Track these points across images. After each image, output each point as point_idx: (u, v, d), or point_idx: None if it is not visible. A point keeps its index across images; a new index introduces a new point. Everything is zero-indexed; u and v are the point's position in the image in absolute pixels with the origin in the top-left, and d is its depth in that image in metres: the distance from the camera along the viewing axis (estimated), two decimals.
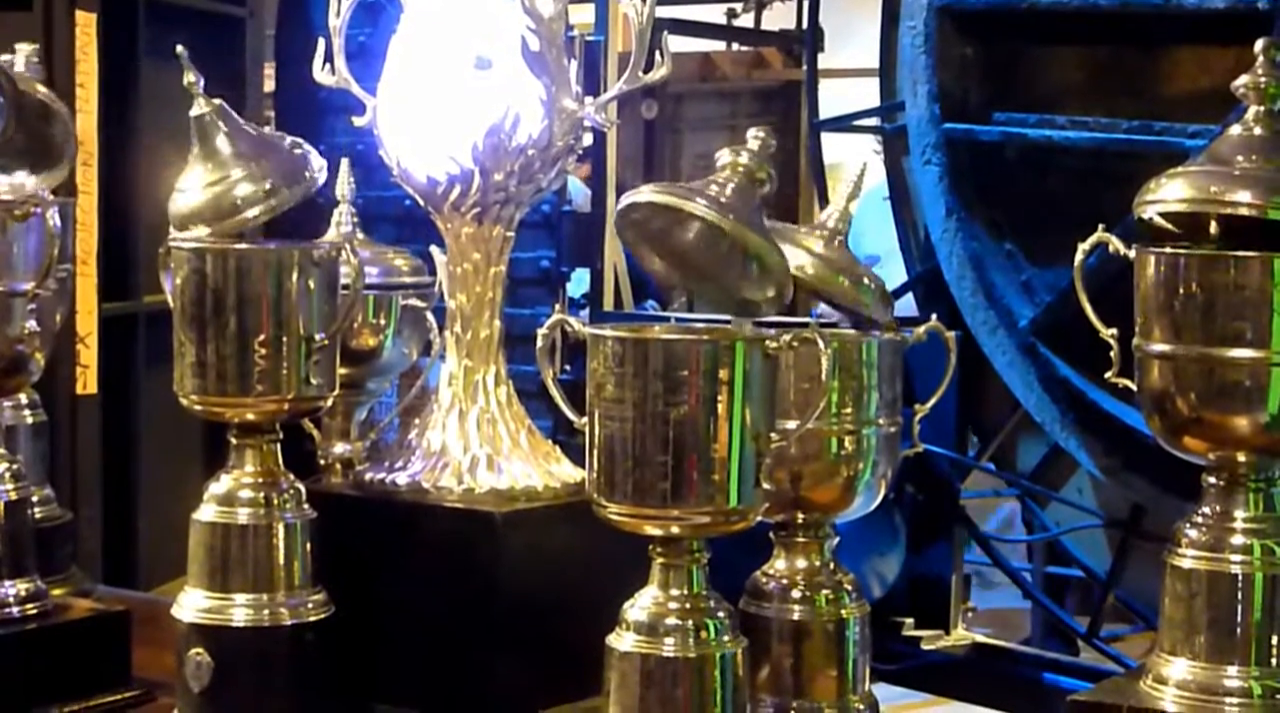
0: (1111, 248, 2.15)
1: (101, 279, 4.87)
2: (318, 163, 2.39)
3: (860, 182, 2.40)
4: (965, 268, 5.49)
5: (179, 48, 2.44)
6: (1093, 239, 2.18)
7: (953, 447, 5.79)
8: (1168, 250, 2.10)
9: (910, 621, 5.82)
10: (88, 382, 4.78)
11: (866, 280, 2.31)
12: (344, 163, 2.65)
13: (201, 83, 2.39)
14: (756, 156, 2.12)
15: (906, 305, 6.26)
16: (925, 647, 5.77)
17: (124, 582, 4.78)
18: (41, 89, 2.54)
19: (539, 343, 2.13)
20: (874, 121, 6.65)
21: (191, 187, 2.34)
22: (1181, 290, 2.07)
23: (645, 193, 2.13)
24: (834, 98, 6.82)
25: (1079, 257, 2.19)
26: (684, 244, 2.17)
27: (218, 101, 2.38)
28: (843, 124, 6.66)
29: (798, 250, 2.29)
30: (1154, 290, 2.10)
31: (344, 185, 2.68)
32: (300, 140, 2.42)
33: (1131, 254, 2.13)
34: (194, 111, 2.38)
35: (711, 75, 10.57)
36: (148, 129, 5.25)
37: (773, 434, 2.06)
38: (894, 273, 6.15)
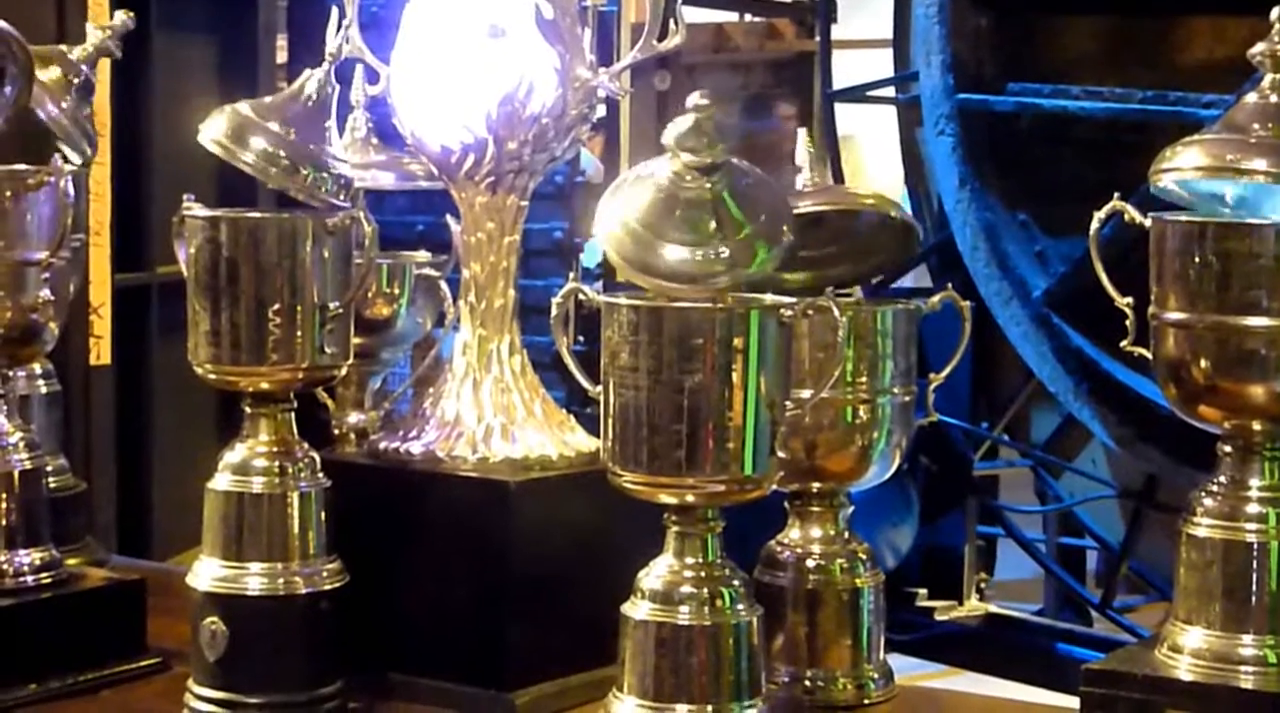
0: (1127, 217, 2.15)
1: (115, 250, 4.87)
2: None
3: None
4: (979, 238, 5.49)
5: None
6: (1108, 208, 2.17)
7: (966, 418, 5.79)
8: (1184, 219, 2.09)
9: (924, 591, 5.84)
10: (101, 352, 4.78)
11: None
12: (358, 68, 2.64)
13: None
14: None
15: (920, 276, 6.26)
16: (939, 618, 5.78)
17: (138, 552, 4.79)
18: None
19: (553, 312, 2.13)
20: (887, 92, 6.65)
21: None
22: (1197, 259, 2.07)
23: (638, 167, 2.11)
24: (846, 68, 6.82)
25: (1095, 225, 2.19)
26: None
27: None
28: (856, 95, 6.65)
29: (811, 199, 2.31)
30: (1170, 259, 2.10)
31: (358, 91, 2.69)
32: None
33: (1147, 223, 2.12)
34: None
35: (724, 46, 10.55)
36: (161, 100, 5.24)
37: (788, 402, 2.06)
38: None
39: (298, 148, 2.32)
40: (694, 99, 2.06)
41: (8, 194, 2.41)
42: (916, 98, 5.81)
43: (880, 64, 7.17)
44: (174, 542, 5.04)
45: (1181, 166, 2.08)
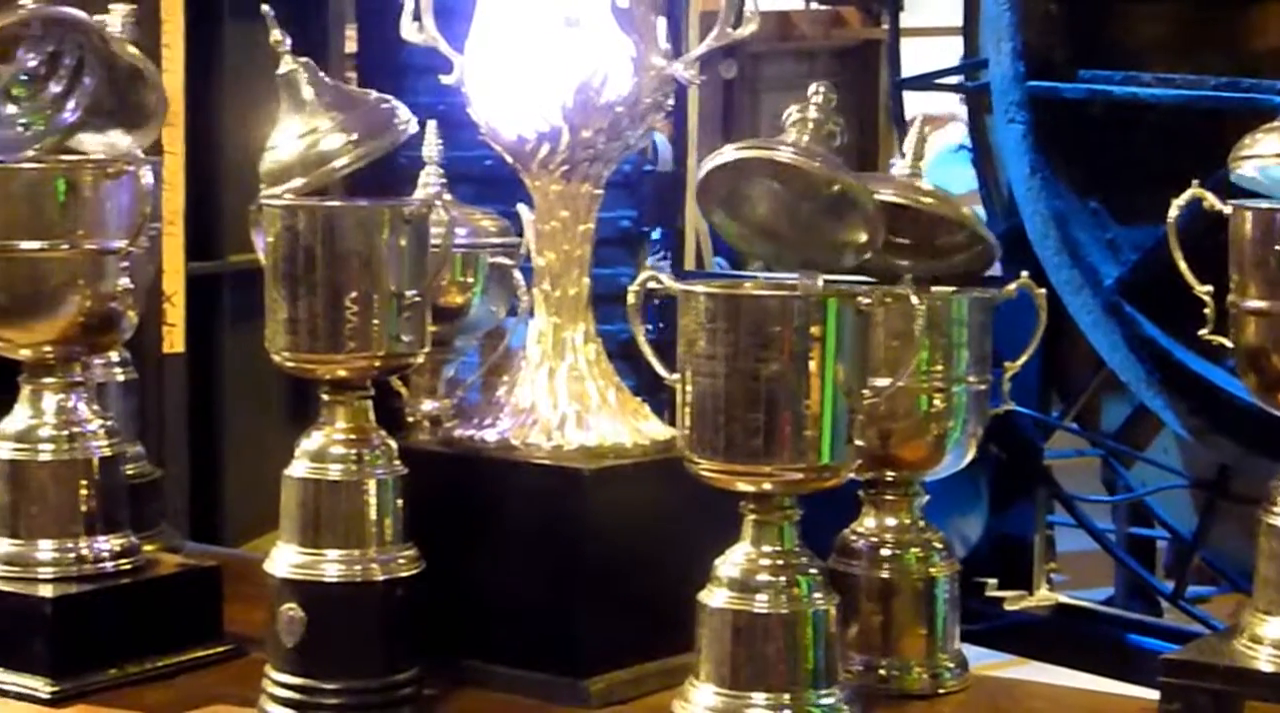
0: (1206, 204, 2.13)
1: (188, 238, 4.90)
2: (404, 114, 2.40)
3: (923, 137, 2.41)
4: (1049, 226, 5.46)
5: (265, 7, 2.45)
6: (1187, 195, 2.16)
7: (1036, 406, 5.77)
8: (1264, 206, 2.08)
9: (993, 581, 5.82)
10: (174, 341, 4.81)
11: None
12: (431, 124, 2.65)
13: (289, 42, 2.41)
14: (823, 109, 2.12)
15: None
16: (1008, 607, 5.76)
17: (209, 539, 4.82)
18: (133, 50, 2.55)
19: (630, 300, 2.13)
20: (955, 79, 6.62)
21: (280, 142, 2.36)
22: (1278, 246, 2.05)
23: (727, 152, 2.13)
24: (910, 57, 6.79)
25: (1173, 212, 2.17)
26: (767, 202, 2.17)
27: (304, 59, 2.40)
28: (925, 82, 6.63)
29: (894, 188, 2.30)
30: (1250, 246, 2.08)
31: (431, 147, 2.69)
32: (387, 96, 2.43)
33: (1227, 210, 2.11)
34: (280, 69, 2.39)
35: (790, 34, 10.55)
36: (233, 89, 5.27)
37: (865, 391, 2.05)
38: None
39: None
40: None
41: (88, 183, 2.43)
42: (986, 85, 5.78)
43: (944, 52, 7.14)
44: (245, 528, 5.07)
45: (1263, 153, 2.07)
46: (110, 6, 2.72)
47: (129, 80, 2.54)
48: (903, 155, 2.41)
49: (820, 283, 2.12)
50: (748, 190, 2.17)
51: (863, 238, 2.14)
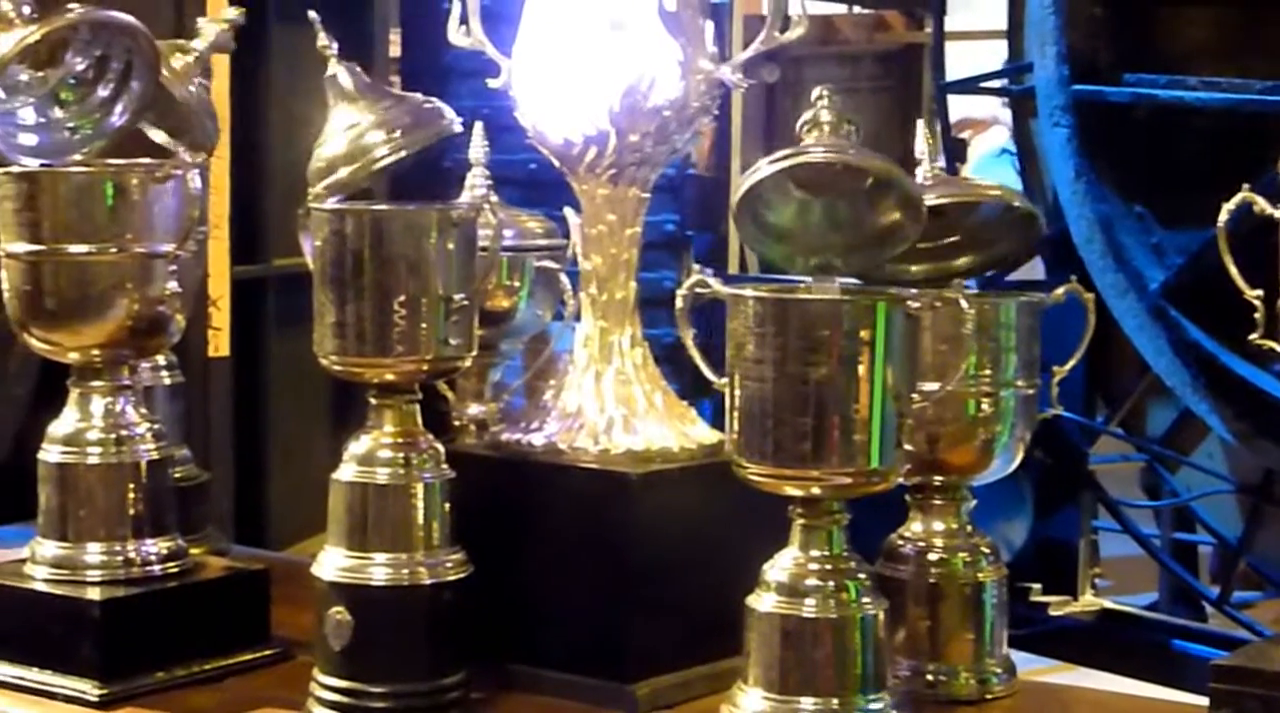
0: (1256, 208, 2.12)
1: (232, 242, 4.91)
2: (449, 113, 2.41)
3: (932, 139, 2.42)
4: (1094, 230, 5.44)
5: (311, 12, 2.46)
6: (1237, 198, 2.15)
7: (1080, 411, 5.75)
8: None
9: (1038, 586, 5.80)
10: (219, 344, 4.82)
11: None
12: (477, 126, 2.65)
13: (335, 46, 2.42)
14: (832, 110, 2.11)
15: (1031, 269, 6.21)
16: (1052, 613, 5.74)
17: (254, 542, 4.83)
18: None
19: (678, 304, 2.13)
20: (1000, 83, 6.60)
21: (326, 140, 2.38)
22: None
23: (761, 168, 2.10)
24: (953, 60, 6.77)
25: (1223, 216, 2.16)
26: (798, 211, 2.15)
27: (349, 63, 2.41)
28: (969, 86, 6.61)
29: (930, 192, 2.30)
30: None
31: (477, 148, 2.68)
32: (431, 98, 2.44)
33: (1278, 214, 2.10)
34: (328, 73, 2.41)
35: (833, 38, 10.52)
36: (278, 93, 5.29)
37: (913, 395, 2.05)
38: None
39: None
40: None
41: (136, 187, 2.43)
42: (1030, 89, 5.76)
43: (987, 56, 7.10)
44: (289, 531, 5.08)
45: None
46: (199, 20, 2.74)
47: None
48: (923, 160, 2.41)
49: (836, 286, 2.11)
50: (776, 204, 2.16)
51: (906, 222, 2.11)
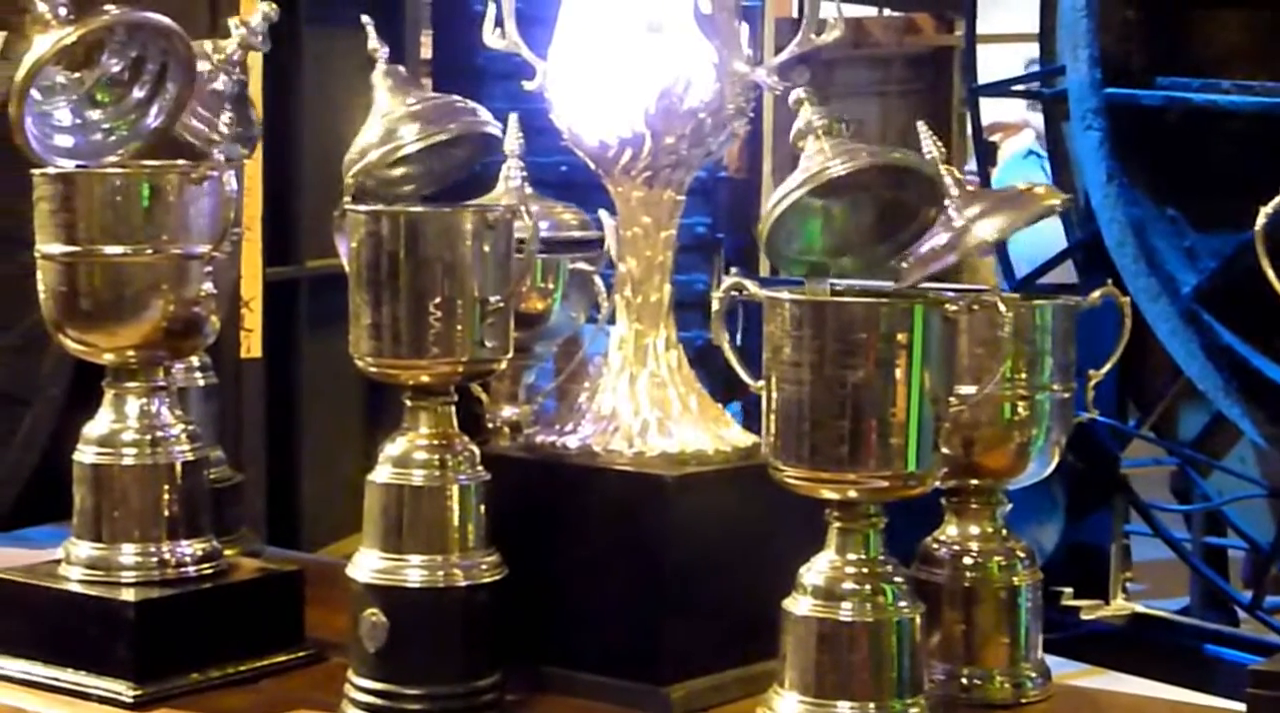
0: None
1: (265, 244, 4.92)
2: (486, 115, 2.43)
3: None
4: (1126, 234, 5.43)
5: (364, 17, 2.47)
6: (1276, 201, 2.14)
7: (1113, 415, 5.74)
8: None
9: (1069, 590, 5.79)
10: (252, 346, 4.84)
11: None
12: (512, 118, 2.66)
13: (386, 50, 2.44)
14: (816, 108, 2.10)
15: (1066, 272, 6.20)
16: (1084, 617, 5.73)
17: (287, 543, 4.84)
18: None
19: (714, 306, 2.12)
20: (1032, 86, 6.59)
21: (363, 131, 2.39)
22: None
23: (789, 192, 2.08)
24: (983, 63, 6.77)
25: (1261, 219, 2.15)
26: (820, 222, 2.14)
27: (391, 65, 2.42)
28: (1001, 89, 6.60)
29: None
30: None
31: (512, 140, 2.69)
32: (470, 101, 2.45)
33: None
34: (374, 76, 2.42)
35: (863, 41, 10.52)
36: (310, 95, 5.30)
37: (950, 398, 2.04)
38: (1050, 238, 6.08)
39: None
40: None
41: (172, 188, 2.44)
42: (1063, 92, 5.76)
43: (1018, 58, 7.10)
44: (322, 533, 5.09)
45: None
46: (230, 20, 2.74)
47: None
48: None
49: (828, 288, 2.11)
50: (804, 227, 2.15)
51: (926, 203, 2.10)
